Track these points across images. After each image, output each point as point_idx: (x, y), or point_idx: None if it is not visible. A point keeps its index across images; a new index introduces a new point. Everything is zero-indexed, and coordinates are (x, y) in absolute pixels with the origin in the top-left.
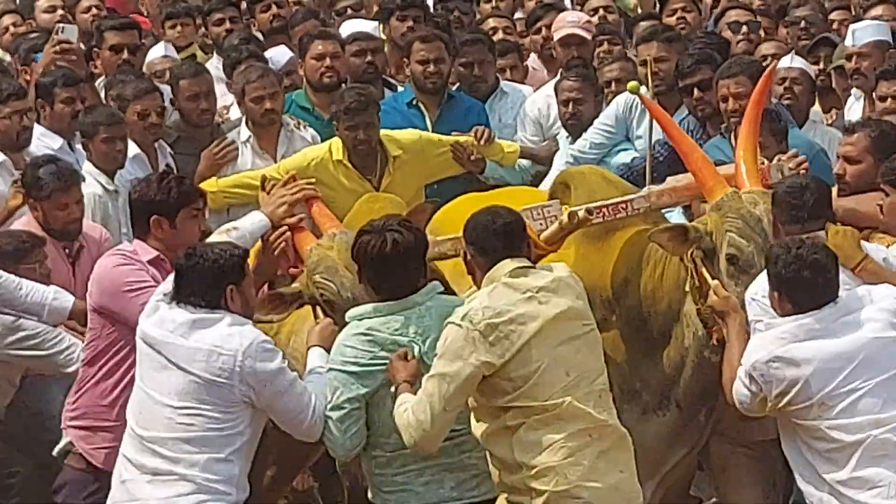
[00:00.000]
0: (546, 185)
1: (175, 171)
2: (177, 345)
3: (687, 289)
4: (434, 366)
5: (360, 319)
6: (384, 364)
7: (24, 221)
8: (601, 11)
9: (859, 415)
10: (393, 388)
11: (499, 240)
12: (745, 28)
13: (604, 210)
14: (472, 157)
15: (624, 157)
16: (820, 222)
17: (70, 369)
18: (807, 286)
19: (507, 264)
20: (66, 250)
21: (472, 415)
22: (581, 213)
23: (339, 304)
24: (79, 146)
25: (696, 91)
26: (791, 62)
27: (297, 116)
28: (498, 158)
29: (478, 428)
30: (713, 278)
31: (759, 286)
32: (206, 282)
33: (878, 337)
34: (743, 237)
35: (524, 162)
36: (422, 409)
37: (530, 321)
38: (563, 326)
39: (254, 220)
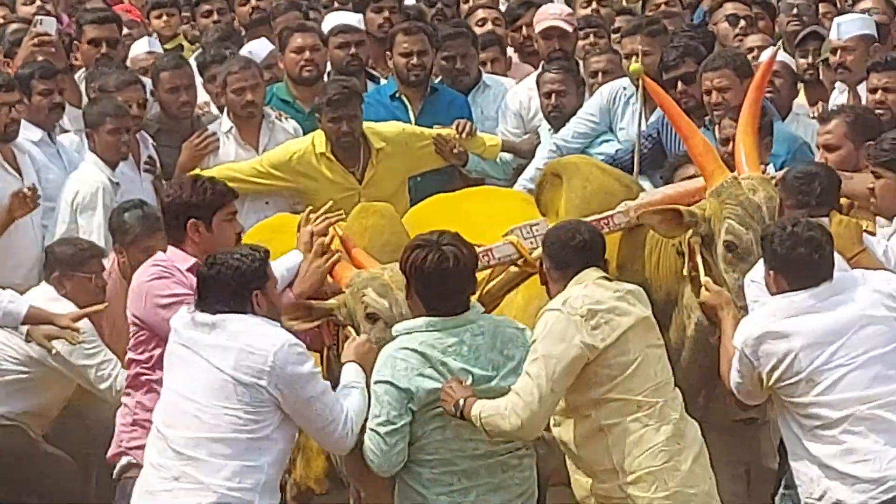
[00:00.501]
0: (526, 177)
1: (157, 163)
2: (208, 343)
3: (685, 273)
4: (534, 350)
5: (410, 333)
6: (432, 381)
7: (107, 266)
8: (594, 4)
9: (845, 391)
10: (462, 402)
11: (580, 255)
12: (742, 22)
13: None
14: (455, 151)
15: (607, 148)
16: (825, 209)
17: (102, 386)
18: (802, 263)
19: (593, 272)
20: None
21: (557, 420)
22: None
23: (387, 321)
24: (59, 138)
25: (679, 84)
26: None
27: (278, 109)
28: (480, 152)
29: (566, 433)
30: (708, 266)
31: (759, 269)
32: (231, 289)
33: (867, 315)
34: (742, 224)
35: (506, 155)
36: (528, 390)
37: (626, 315)
38: (648, 332)
39: (290, 259)
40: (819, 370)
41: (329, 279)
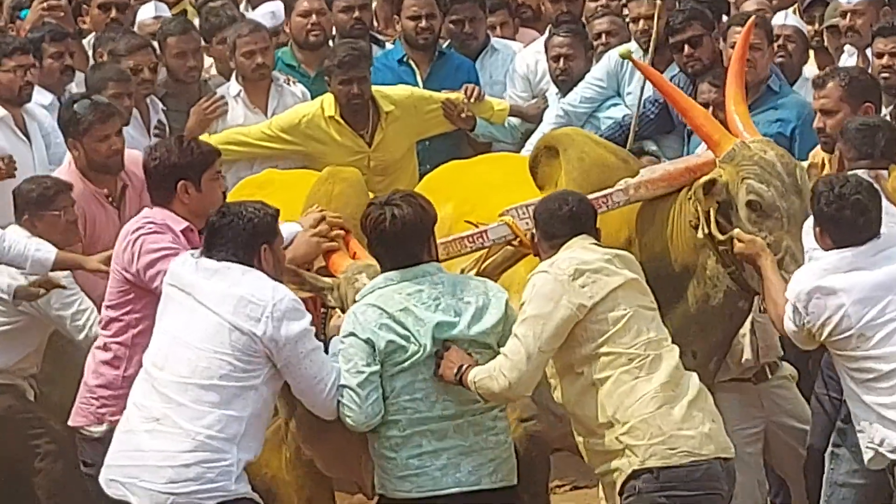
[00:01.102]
0: (532, 142)
1: (167, 127)
2: (208, 288)
3: (700, 236)
4: (523, 312)
5: (372, 292)
6: (391, 333)
7: (65, 167)
8: None
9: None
10: (456, 376)
11: (566, 225)
12: None
13: None
14: (463, 116)
15: (615, 113)
16: (886, 162)
17: (79, 336)
18: (847, 225)
19: (582, 240)
20: (109, 197)
21: (554, 384)
22: None
23: None
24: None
25: (686, 47)
26: (785, 20)
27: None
28: (488, 116)
29: (563, 394)
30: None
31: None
32: (241, 239)
33: None
34: (762, 182)
35: (514, 120)
36: (515, 349)
37: (614, 275)
38: (640, 295)
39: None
40: (870, 325)
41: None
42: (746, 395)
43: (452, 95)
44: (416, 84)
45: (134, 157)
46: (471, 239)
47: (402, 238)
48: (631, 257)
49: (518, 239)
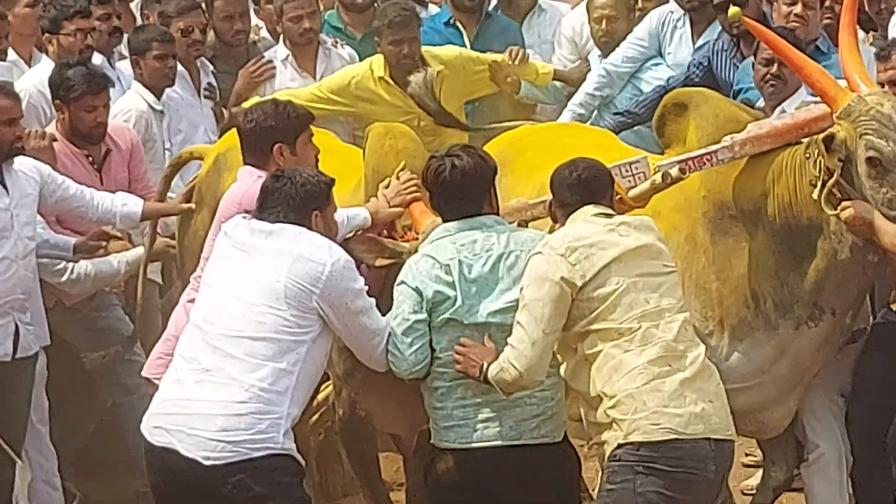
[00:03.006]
0: (575, 102)
1: (217, 89)
2: (263, 246)
3: (816, 197)
4: (523, 297)
5: (431, 243)
6: (439, 284)
7: (52, 125)
8: None
9: None
10: (485, 366)
11: (576, 192)
12: None
13: (690, 163)
14: (509, 80)
15: (657, 73)
16: None
17: (58, 280)
18: None
19: (590, 209)
20: (91, 158)
21: (560, 361)
22: (674, 173)
23: None
24: (119, 64)
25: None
26: None
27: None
28: (532, 79)
29: (565, 370)
30: (848, 193)
31: None
32: (294, 203)
33: None
34: (881, 137)
35: (557, 82)
36: (519, 337)
37: (610, 247)
38: (643, 261)
39: (357, 213)
40: None
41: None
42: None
43: (498, 57)
44: (463, 46)
45: (118, 127)
46: None
47: (462, 188)
48: (646, 221)
49: (619, 197)
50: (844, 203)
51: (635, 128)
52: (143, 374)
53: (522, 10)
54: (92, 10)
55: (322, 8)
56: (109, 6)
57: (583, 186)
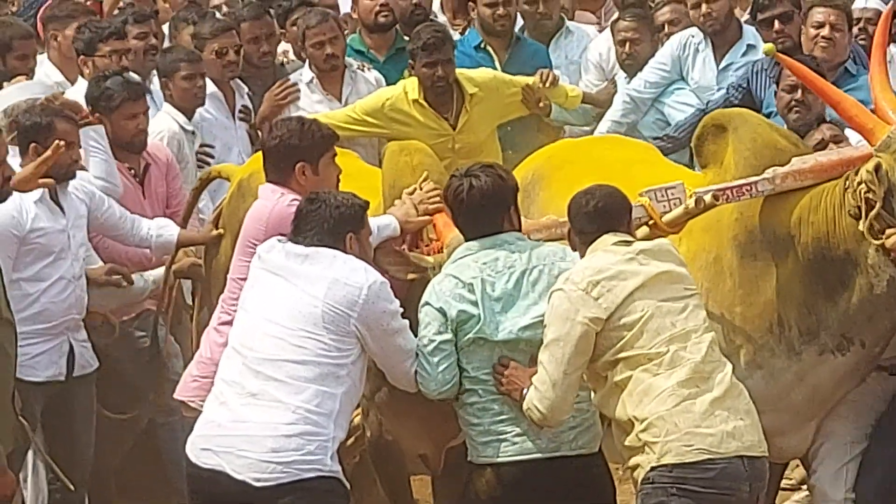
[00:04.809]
0: (601, 130)
1: (251, 111)
2: (300, 271)
3: (861, 229)
4: (546, 335)
5: (454, 262)
6: (463, 303)
7: None
8: None
9: None
10: (525, 391)
11: (593, 222)
12: None
13: (728, 193)
14: (541, 104)
15: (681, 98)
16: None
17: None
18: None
19: (609, 238)
20: (133, 171)
21: (590, 388)
22: (708, 199)
23: None
24: (153, 85)
25: (776, 23)
26: (866, 2)
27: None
28: (561, 102)
29: (596, 398)
30: (889, 223)
31: None
32: (328, 226)
33: None
34: None
35: (586, 105)
36: (541, 379)
37: (632, 277)
38: (665, 286)
39: (388, 224)
40: None
41: (431, 231)
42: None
43: (529, 80)
44: (494, 70)
45: (153, 144)
46: None
47: (482, 207)
48: (664, 246)
49: (653, 222)
50: (889, 230)
51: None
52: (177, 396)
53: (549, 32)
54: (129, 29)
55: (346, 31)
56: (146, 25)
57: (600, 215)
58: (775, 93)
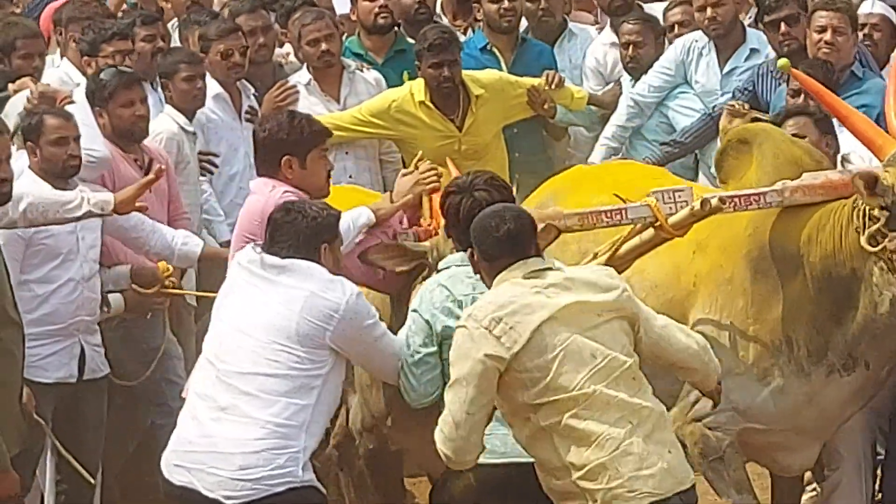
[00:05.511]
0: (607, 135)
1: (258, 112)
2: (275, 283)
3: (863, 245)
4: (450, 375)
5: (448, 268)
6: (449, 318)
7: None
8: None
9: None
10: None
11: (501, 248)
12: None
13: (735, 200)
14: (546, 106)
15: (685, 102)
16: None
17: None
18: None
19: (519, 267)
20: (138, 162)
21: (508, 422)
22: (714, 202)
23: None
24: (160, 88)
25: (783, 25)
26: (872, 7)
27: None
28: (567, 103)
29: (517, 433)
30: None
31: None
32: (303, 237)
33: None
34: None
35: (591, 106)
36: (445, 420)
37: (538, 310)
38: (576, 317)
39: (360, 214)
40: None
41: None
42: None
43: (535, 81)
44: (500, 71)
45: (153, 148)
46: (609, 214)
47: None
48: (575, 277)
49: (658, 223)
50: (892, 234)
51: None
52: (184, 395)
53: (552, 34)
54: (136, 32)
55: (344, 34)
56: (153, 27)
57: (512, 240)
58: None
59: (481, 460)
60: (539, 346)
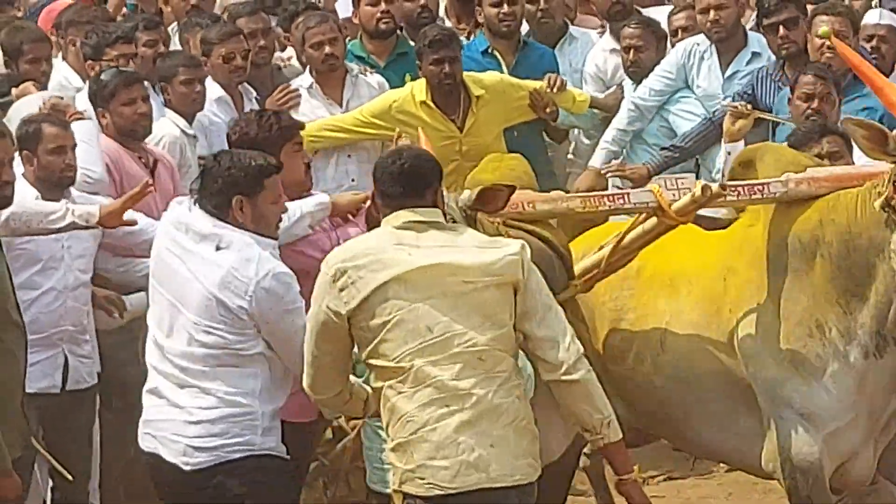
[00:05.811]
0: (607, 139)
1: None
2: (194, 254)
3: (877, 207)
4: None
5: None
6: None
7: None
8: None
9: None
10: None
11: (394, 184)
12: None
13: (739, 189)
14: (548, 110)
15: (686, 106)
16: None
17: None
18: None
19: (404, 215)
20: (143, 161)
21: None
22: (715, 188)
23: None
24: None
25: (781, 29)
26: (879, 18)
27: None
28: (568, 106)
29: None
30: None
31: None
32: (216, 187)
33: None
34: None
35: (592, 109)
36: (304, 349)
37: (388, 267)
38: (435, 281)
39: (313, 200)
40: None
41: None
42: None
43: (537, 84)
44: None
45: (160, 151)
46: (611, 198)
47: None
48: (474, 235)
49: (661, 209)
50: None
51: None
52: None
53: (552, 36)
54: (139, 36)
55: (347, 37)
56: (156, 32)
57: (407, 177)
58: (789, 100)
59: (379, 489)
60: (373, 307)
